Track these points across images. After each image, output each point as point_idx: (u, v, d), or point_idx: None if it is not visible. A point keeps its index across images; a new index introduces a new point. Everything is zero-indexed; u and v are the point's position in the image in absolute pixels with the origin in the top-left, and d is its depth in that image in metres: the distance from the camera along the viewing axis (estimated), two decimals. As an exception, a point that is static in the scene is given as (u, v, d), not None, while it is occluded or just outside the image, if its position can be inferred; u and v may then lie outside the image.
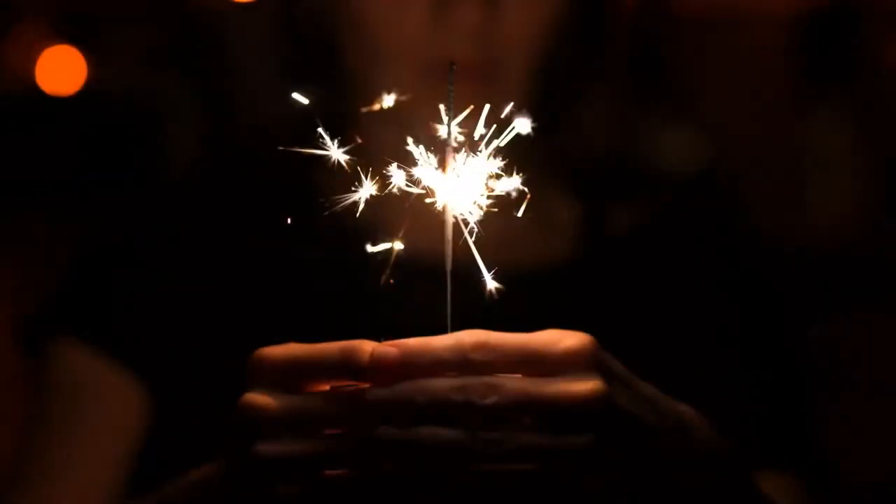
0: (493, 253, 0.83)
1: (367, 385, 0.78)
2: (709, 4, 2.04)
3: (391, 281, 0.84)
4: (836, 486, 1.32)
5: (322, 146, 0.89)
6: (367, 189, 0.84)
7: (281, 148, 0.93)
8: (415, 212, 0.83)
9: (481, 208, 0.84)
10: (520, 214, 0.84)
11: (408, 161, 1.22)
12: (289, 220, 0.89)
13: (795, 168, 2.01)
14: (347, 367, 0.78)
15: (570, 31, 1.29)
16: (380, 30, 1.25)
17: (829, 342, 1.66)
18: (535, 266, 1.25)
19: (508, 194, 0.85)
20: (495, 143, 0.85)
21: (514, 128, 0.85)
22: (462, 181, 0.84)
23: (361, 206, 0.85)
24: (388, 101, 0.99)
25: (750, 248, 1.39)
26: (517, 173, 0.85)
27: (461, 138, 0.84)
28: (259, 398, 0.79)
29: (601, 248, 1.30)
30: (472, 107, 0.84)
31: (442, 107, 0.86)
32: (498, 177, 0.85)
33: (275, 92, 1.40)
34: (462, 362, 0.77)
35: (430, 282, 0.84)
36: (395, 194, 0.85)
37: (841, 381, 1.71)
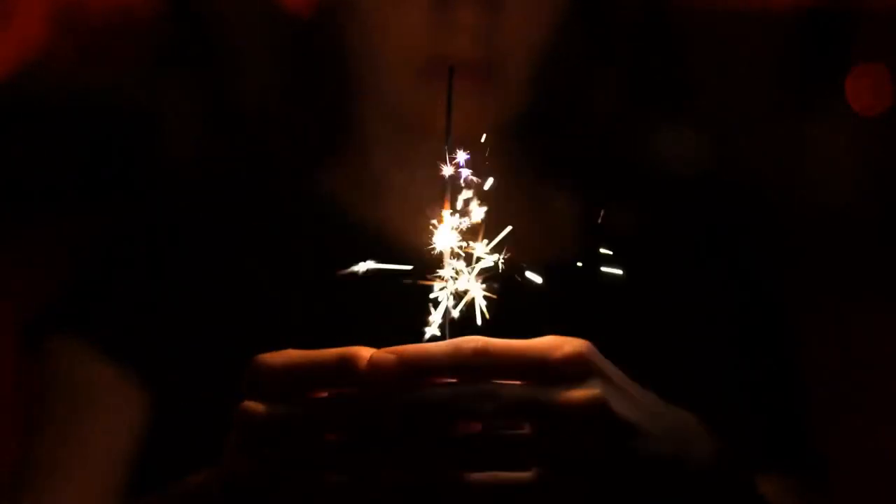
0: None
1: (365, 391, 0.78)
2: (711, 2, 2.03)
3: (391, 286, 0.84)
4: (835, 487, 1.33)
5: None
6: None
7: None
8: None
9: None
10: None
11: (404, 158, 1.22)
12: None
13: (797, 168, 2.01)
14: (345, 373, 0.78)
15: (571, 29, 1.29)
16: (379, 28, 1.25)
17: (828, 343, 1.66)
18: (534, 268, 1.24)
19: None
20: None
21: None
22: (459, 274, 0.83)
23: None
24: None
25: (750, 249, 1.39)
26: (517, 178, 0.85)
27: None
28: (257, 405, 0.79)
29: (601, 249, 1.30)
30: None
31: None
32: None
33: (276, 91, 1.40)
34: (460, 369, 0.77)
35: (430, 288, 0.84)
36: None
37: (840, 383, 1.71)
